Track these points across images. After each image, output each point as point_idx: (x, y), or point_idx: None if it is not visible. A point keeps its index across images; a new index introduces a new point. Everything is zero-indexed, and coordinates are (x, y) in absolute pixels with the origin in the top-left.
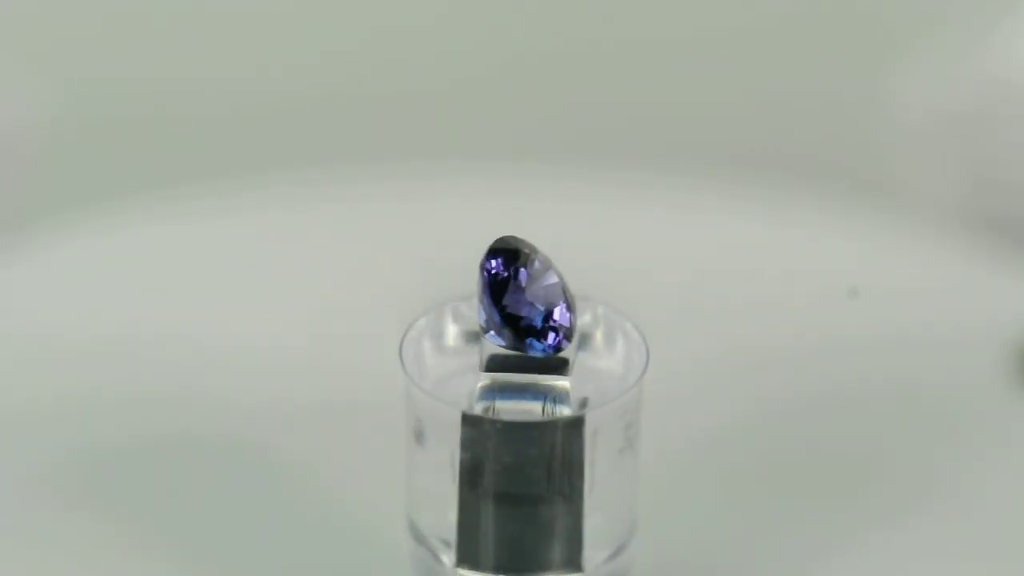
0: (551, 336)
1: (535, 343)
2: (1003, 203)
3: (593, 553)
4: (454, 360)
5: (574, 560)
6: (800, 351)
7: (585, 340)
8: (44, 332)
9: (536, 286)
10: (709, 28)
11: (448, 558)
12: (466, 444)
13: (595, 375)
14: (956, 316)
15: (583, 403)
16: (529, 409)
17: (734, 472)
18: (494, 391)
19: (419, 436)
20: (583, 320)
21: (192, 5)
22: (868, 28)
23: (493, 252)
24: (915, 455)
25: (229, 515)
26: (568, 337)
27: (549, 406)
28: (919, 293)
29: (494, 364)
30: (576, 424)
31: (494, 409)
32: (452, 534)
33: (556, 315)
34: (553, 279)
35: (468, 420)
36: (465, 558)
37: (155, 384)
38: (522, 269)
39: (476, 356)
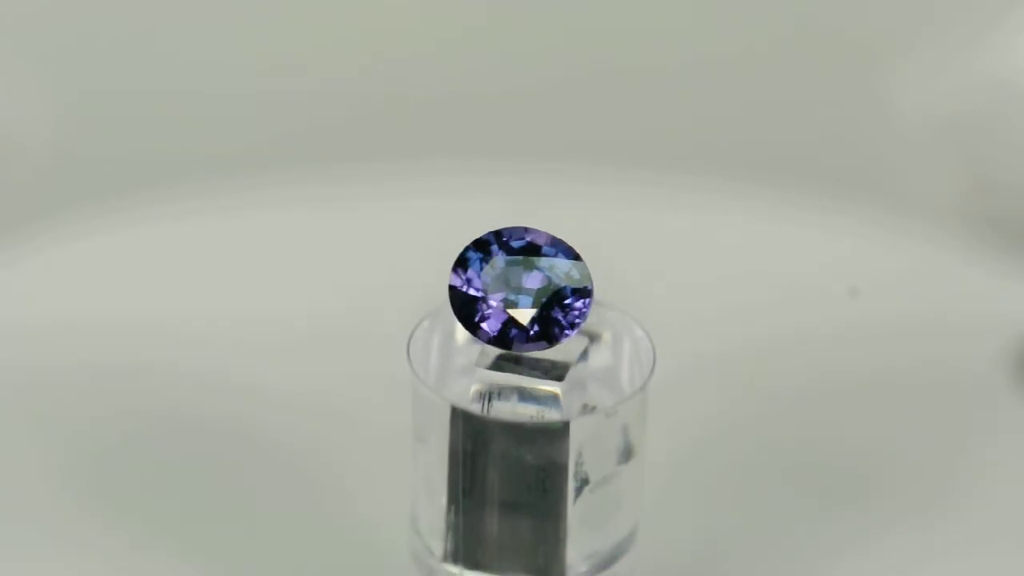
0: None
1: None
2: (1003, 203)
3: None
4: (461, 359)
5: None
6: (800, 351)
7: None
8: (44, 332)
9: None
10: (710, 30)
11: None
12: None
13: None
14: (956, 316)
15: (584, 409)
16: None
17: (736, 471)
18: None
19: (424, 434)
20: (590, 322)
21: (192, 5)
22: (867, 28)
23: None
24: (917, 455)
25: (231, 512)
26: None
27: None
28: (919, 293)
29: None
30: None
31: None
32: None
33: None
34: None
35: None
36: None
37: (156, 385)
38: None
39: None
